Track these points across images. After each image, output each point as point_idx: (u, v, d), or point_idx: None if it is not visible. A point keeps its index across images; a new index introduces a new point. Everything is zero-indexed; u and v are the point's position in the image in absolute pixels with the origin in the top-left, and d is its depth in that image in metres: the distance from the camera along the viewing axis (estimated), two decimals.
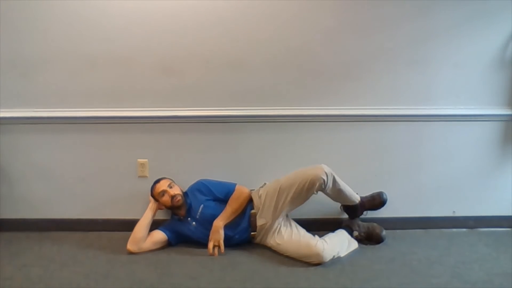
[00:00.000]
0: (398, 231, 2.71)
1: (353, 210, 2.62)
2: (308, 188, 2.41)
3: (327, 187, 2.41)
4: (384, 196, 2.61)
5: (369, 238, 2.59)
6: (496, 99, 2.71)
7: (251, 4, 2.58)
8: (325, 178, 2.38)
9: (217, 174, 2.70)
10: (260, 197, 2.56)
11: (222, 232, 2.46)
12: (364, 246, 2.55)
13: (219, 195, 2.61)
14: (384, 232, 2.58)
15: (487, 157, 2.78)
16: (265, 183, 2.63)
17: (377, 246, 2.56)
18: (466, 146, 2.76)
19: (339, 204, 2.69)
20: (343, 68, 2.67)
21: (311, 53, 2.65)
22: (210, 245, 2.45)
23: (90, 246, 2.57)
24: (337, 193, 2.50)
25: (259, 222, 2.52)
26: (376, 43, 2.64)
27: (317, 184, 2.39)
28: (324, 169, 2.39)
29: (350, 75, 2.67)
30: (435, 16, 2.61)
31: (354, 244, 2.53)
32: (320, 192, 2.48)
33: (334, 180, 2.43)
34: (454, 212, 2.82)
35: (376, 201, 2.62)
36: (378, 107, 2.70)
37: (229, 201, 2.55)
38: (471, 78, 2.69)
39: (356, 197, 2.58)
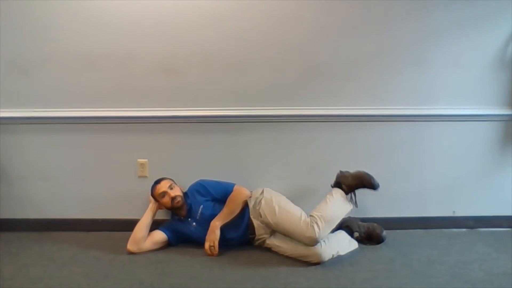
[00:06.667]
0: (398, 231, 2.71)
1: None
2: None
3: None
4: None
5: (369, 239, 2.59)
6: (496, 99, 2.71)
7: (251, 4, 2.58)
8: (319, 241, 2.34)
9: (217, 174, 2.70)
10: (256, 211, 2.52)
11: (218, 232, 2.45)
12: (364, 246, 2.55)
13: (217, 195, 2.60)
14: (384, 233, 2.58)
15: (487, 157, 2.78)
16: (263, 190, 2.60)
17: (377, 246, 2.56)
18: (466, 146, 2.76)
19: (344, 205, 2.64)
20: (343, 68, 2.67)
21: (311, 53, 2.65)
22: (207, 245, 2.44)
23: (90, 246, 2.57)
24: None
25: (258, 231, 2.52)
26: (377, 43, 2.64)
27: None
28: (316, 239, 2.32)
29: (350, 75, 2.67)
30: (435, 17, 2.61)
31: (354, 244, 2.53)
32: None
33: (327, 228, 2.38)
34: (454, 212, 2.82)
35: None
36: (378, 107, 2.70)
37: (227, 202, 2.54)
38: (471, 78, 2.68)
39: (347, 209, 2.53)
